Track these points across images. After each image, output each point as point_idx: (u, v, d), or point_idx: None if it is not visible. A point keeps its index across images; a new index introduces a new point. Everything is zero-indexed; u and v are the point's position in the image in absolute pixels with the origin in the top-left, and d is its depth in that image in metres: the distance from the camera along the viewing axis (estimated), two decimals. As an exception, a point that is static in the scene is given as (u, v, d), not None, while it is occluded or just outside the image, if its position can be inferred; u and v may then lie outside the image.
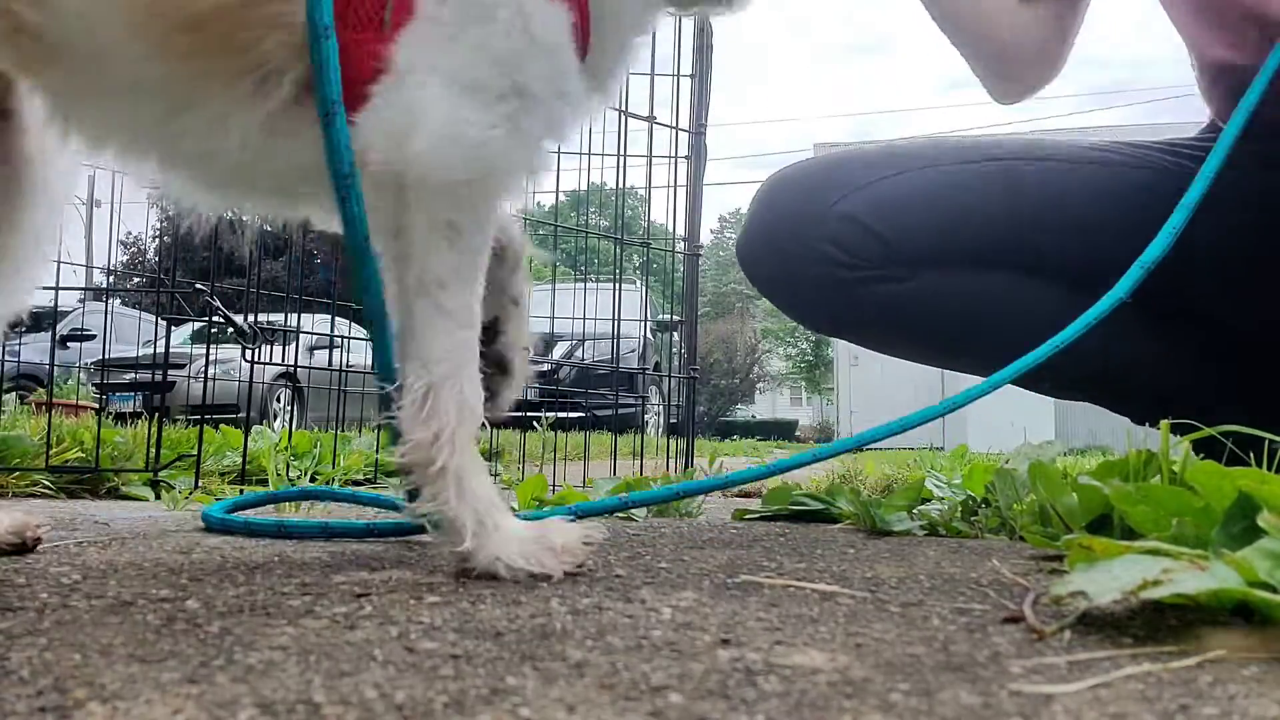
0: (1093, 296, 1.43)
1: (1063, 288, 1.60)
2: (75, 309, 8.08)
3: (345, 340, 2.93)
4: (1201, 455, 0.99)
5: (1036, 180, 1.65)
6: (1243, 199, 1.48)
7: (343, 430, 2.93)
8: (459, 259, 0.96)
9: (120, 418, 4.26)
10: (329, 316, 2.74)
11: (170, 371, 1.73)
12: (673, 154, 2.86)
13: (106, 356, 3.60)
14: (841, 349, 19.94)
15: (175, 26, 0.93)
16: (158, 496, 2.08)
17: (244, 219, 1.39)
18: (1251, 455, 1.08)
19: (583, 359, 4.00)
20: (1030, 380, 1.53)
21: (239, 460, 2.30)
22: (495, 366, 1.17)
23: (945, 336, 1.72)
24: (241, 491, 2.14)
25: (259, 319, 2.35)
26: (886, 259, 1.61)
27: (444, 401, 0.94)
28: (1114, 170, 1.65)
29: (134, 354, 5.27)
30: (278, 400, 7.77)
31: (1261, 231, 1.53)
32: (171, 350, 2.46)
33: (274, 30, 0.94)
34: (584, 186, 2.96)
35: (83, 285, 5.98)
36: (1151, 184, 1.61)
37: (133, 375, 6.13)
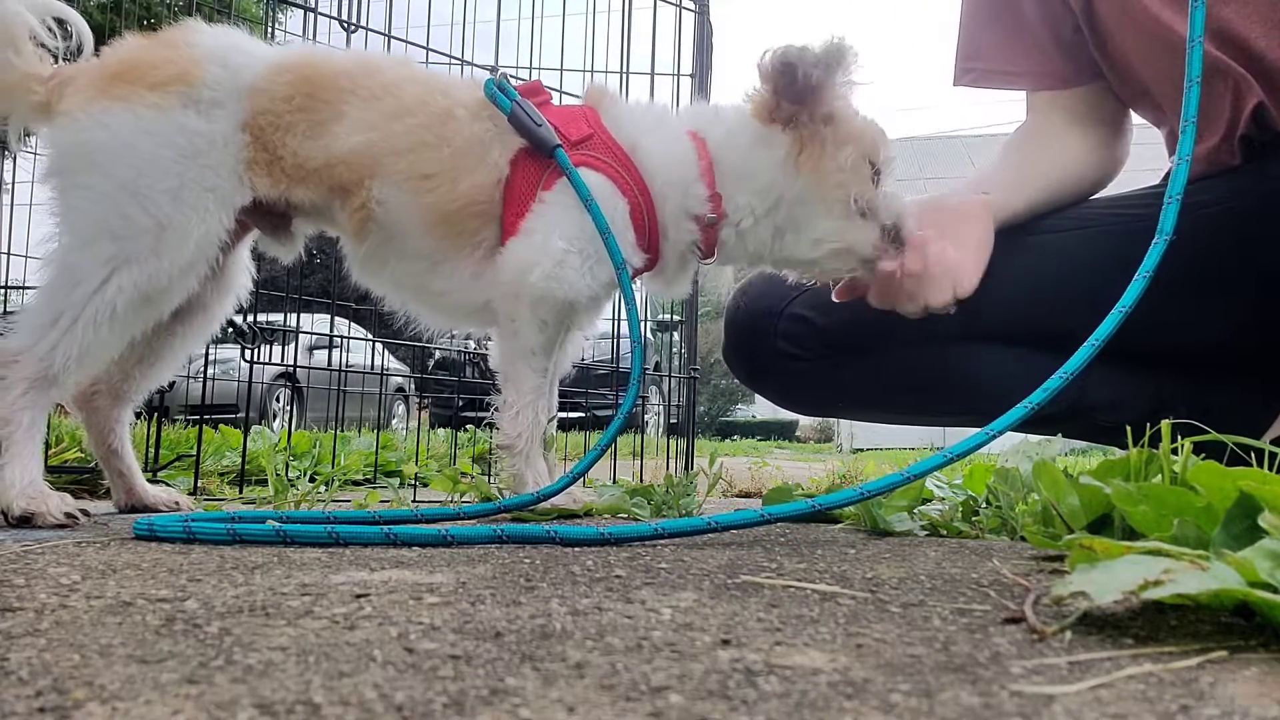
0: (1028, 349, 1.72)
1: (1001, 346, 1.81)
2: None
3: (345, 340, 2.93)
4: (1203, 456, 0.99)
5: None
6: (1185, 215, 1.43)
7: (342, 430, 2.93)
8: (544, 338, 1.55)
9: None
10: (329, 316, 2.73)
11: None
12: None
13: None
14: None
15: (438, 220, 1.53)
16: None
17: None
18: (1252, 455, 1.08)
19: (583, 359, 4.00)
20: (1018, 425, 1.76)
21: (238, 460, 2.30)
22: None
23: (897, 404, 1.95)
24: (241, 490, 2.14)
25: (258, 318, 2.35)
26: (830, 347, 1.86)
27: (526, 414, 1.54)
28: (1046, 239, 1.82)
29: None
30: (277, 400, 7.76)
31: (1200, 243, 1.53)
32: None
33: (482, 217, 1.54)
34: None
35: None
36: (1075, 247, 1.79)
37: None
